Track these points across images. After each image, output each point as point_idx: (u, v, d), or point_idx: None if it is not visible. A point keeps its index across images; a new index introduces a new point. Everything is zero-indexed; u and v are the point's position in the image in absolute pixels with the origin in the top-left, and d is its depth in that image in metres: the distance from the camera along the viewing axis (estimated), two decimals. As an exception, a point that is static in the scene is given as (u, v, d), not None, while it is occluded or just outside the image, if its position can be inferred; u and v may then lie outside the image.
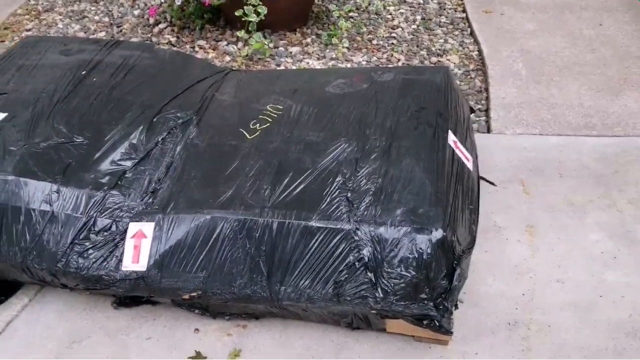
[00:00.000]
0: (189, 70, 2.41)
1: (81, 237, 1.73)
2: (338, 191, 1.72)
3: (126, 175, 1.85)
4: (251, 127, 2.03)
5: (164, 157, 1.93)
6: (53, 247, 1.72)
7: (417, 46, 3.49)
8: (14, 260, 1.72)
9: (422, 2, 4.03)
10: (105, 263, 1.71)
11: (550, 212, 2.17)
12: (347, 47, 3.39)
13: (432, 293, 1.57)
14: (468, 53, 3.43)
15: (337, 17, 3.48)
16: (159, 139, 1.98)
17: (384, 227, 1.60)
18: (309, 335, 1.75)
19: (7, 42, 3.75)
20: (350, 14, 3.80)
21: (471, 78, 3.20)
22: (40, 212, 1.74)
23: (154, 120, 2.05)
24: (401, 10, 3.93)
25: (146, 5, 3.98)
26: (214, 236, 1.68)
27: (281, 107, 2.12)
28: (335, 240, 1.62)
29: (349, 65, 3.26)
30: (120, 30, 3.71)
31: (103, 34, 3.71)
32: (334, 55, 3.35)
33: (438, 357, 1.67)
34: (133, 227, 1.73)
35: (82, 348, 1.74)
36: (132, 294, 1.75)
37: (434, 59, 3.35)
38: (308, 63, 3.27)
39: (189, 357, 1.70)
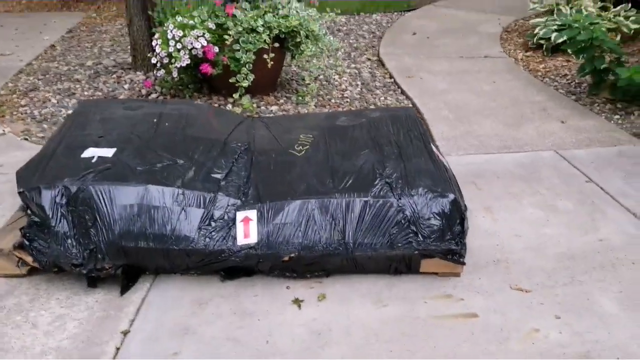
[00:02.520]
0: (225, 116, 3.19)
1: (205, 224, 2.40)
2: (378, 179, 2.55)
3: (222, 184, 2.55)
4: (297, 149, 2.84)
5: (241, 171, 2.66)
6: (186, 233, 2.37)
7: (366, 102, 4.49)
8: (160, 245, 2.34)
9: (357, 72, 5.10)
10: (224, 241, 2.39)
11: (498, 200, 3.15)
12: (314, 105, 4.31)
13: (453, 235, 2.43)
14: (405, 105, 4.48)
15: (308, 82, 4.41)
16: (233, 160, 2.72)
17: (416, 196, 2.46)
18: (366, 280, 2.51)
19: (7, 117, 4.25)
20: (307, 81, 4.77)
21: (413, 122, 4.22)
22: (173, 209, 2.39)
23: (224, 148, 2.78)
24: (344, 78, 4.96)
25: (132, 81, 4.68)
26: (302, 213, 2.43)
27: (311, 136, 2.96)
28: (386, 208, 2.44)
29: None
30: (97, 99, 4.36)
31: (102, 104, 4.32)
32: (306, 111, 4.25)
33: (457, 282, 2.51)
34: (240, 215, 2.44)
35: (209, 307, 2.37)
36: (243, 264, 2.42)
37: (362, 110, 4.35)
38: (288, 117, 4.13)
39: (291, 301, 2.39)
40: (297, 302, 2.39)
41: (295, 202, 2.44)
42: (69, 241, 2.34)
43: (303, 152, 2.78)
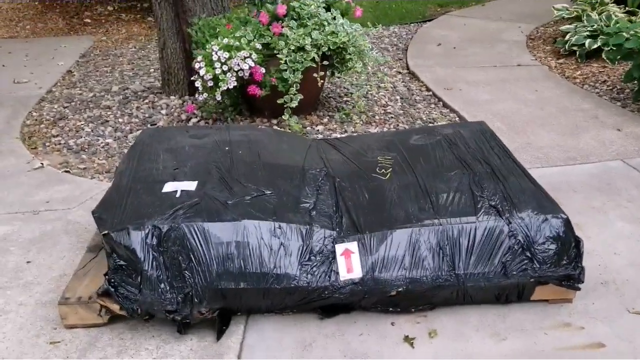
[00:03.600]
0: (292, 139, 3.03)
1: (305, 259, 2.23)
2: (480, 201, 2.40)
3: (312, 214, 2.39)
4: (379, 172, 2.68)
5: (328, 199, 2.50)
6: (287, 270, 2.20)
7: (411, 117, 4.36)
8: (261, 285, 2.17)
9: (393, 87, 4.97)
10: (327, 277, 2.22)
11: (583, 215, 3.01)
12: (361, 122, 4.16)
13: (569, 259, 2.29)
14: (451, 119, 4.36)
15: (355, 99, 4.26)
16: (317, 187, 2.56)
17: (527, 219, 2.31)
18: (474, 312, 2.35)
19: (40, 148, 4.06)
20: (345, 98, 4.63)
21: (465, 136, 4.09)
22: (272, 245, 2.22)
23: (305, 175, 2.62)
24: (381, 93, 4.83)
25: (168, 106, 4.50)
26: (407, 243, 2.27)
27: (390, 157, 2.81)
28: (496, 233, 2.29)
29: (369, 136, 4.01)
30: (157, 127, 4.18)
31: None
32: (353, 129, 4.11)
33: (571, 309, 2.36)
34: (339, 247, 2.27)
35: (315, 348, 2.20)
36: (347, 301, 2.26)
37: (430, 126, 4.21)
38: (338, 137, 3.98)
39: (402, 340, 2.22)
40: (408, 340, 2.23)
41: (398, 231, 2.29)
42: (162, 285, 2.16)
43: (389, 175, 2.62)
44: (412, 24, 7.16)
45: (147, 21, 7.70)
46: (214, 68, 3.75)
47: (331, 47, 3.84)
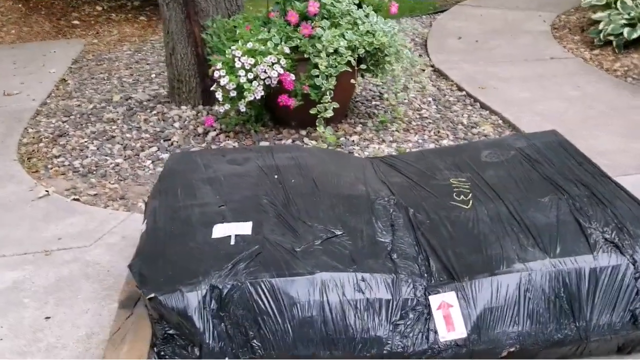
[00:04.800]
0: (344, 160, 2.64)
1: (396, 318, 1.83)
2: (591, 234, 2.03)
3: (393, 257, 1.99)
4: (458, 198, 2.29)
5: (406, 236, 2.10)
6: (377, 332, 1.80)
7: (451, 122, 3.97)
8: (347, 352, 1.77)
9: (421, 88, 4.57)
10: (424, 338, 1.83)
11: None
12: (400, 130, 3.77)
13: None
14: (494, 121, 3.98)
15: (395, 103, 3.86)
16: (391, 221, 2.16)
17: (652, 253, 1.94)
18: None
19: (42, 171, 3.61)
20: (375, 102, 4.23)
21: (514, 141, 3.71)
22: (356, 302, 1.82)
23: (372, 206, 2.22)
24: (412, 95, 4.42)
25: (180, 117, 4.06)
26: (516, 291, 1.89)
27: (464, 179, 2.42)
28: (620, 273, 1.91)
29: (410, 145, 3.63)
30: (172, 143, 3.74)
31: (155, 148, 3.71)
32: (391, 139, 3.71)
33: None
34: (435, 300, 1.88)
35: None
36: (447, 364, 1.87)
37: (474, 131, 3.83)
38: (376, 147, 3.58)
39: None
40: (524, 407, 1.84)
41: (504, 277, 1.90)
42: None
43: (470, 203, 2.23)
44: (424, 16, 6.76)
45: (140, 21, 7.21)
46: (237, 76, 3.32)
47: (367, 49, 3.43)
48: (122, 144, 3.82)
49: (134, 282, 2.36)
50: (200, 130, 3.84)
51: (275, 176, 2.35)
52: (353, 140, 3.67)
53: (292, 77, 3.37)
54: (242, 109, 3.46)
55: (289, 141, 3.63)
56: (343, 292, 1.82)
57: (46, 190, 3.32)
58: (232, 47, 3.37)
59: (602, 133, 3.64)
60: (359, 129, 3.83)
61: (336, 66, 3.37)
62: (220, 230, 2.01)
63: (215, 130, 3.81)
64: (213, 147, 3.66)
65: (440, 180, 2.43)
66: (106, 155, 3.73)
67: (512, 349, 1.85)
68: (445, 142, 3.66)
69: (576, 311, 1.89)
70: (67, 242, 2.87)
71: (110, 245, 2.82)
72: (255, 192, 2.23)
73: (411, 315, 1.85)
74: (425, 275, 1.94)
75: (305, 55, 3.40)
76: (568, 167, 2.43)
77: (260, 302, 1.77)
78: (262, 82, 3.33)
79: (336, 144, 3.52)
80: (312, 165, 2.46)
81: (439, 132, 3.80)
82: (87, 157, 3.72)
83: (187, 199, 2.21)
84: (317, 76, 3.40)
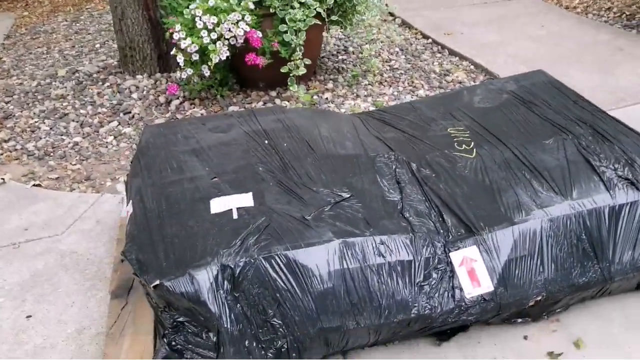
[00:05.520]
0: (332, 118, 2.47)
1: (420, 279, 1.73)
2: (606, 172, 1.96)
3: (406, 215, 1.88)
4: (461, 148, 2.18)
5: (414, 193, 1.99)
6: (403, 296, 1.70)
7: (423, 71, 3.85)
8: (375, 320, 1.66)
9: (387, 38, 4.42)
10: (450, 296, 1.74)
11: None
12: (375, 83, 3.62)
13: None
14: (466, 67, 3.89)
15: (368, 55, 3.70)
16: (396, 178, 2.04)
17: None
18: (613, 305, 1.95)
19: (-11, 154, 3.31)
20: (341, 57, 4.06)
21: (489, 86, 3.63)
22: (378, 266, 1.70)
23: (374, 164, 2.09)
24: (371, 46, 4.27)
25: (138, 88, 3.78)
26: (539, 238, 1.81)
27: (462, 127, 2.31)
28: (638, 210, 1.86)
29: (386, 98, 3.50)
30: (133, 116, 3.48)
31: (115, 123, 3.44)
32: (365, 93, 3.57)
33: None
34: (456, 256, 1.79)
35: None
36: (477, 321, 1.79)
37: (448, 78, 3.73)
38: (352, 104, 3.43)
39: (546, 355, 1.79)
40: (554, 357, 1.79)
41: (524, 225, 1.82)
42: (246, 342, 1.60)
43: (475, 152, 2.13)
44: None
45: (72, -12, 6.70)
46: (200, 37, 3.08)
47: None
48: (77, 121, 3.53)
49: (123, 268, 2.17)
50: (162, 99, 3.59)
51: (266, 141, 2.17)
52: (327, 98, 3.51)
53: (259, 34, 3.15)
54: (207, 73, 3.23)
55: (260, 104, 3.44)
56: (363, 257, 1.70)
57: (1, 178, 3.03)
58: (192, 6, 3.11)
59: (576, 70, 3.61)
60: (330, 85, 3.66)
61: (304, 20, 3.17)
62: (219, 205, 1.83)
63: (178, 98, 3.56)
64: (178, 116, 3.43)
65: (437, 131, 2.32)
66: (62, 135, 3.43)
67: (538, 298, 1.78)
68: (421, 93, 3.54)
69: (599, 252, 1.83)
70: (35, 232, 2.62)
71: (85, 231, 2.60)
72: (248, 160, 2.05)
73: (434, 275, 1.75)
74: (442, 231, 1.84)
75: (271, 10, 3.18)
76: (565, 107, 2.36)
77: (277, 278, 1.63)
78: (227, 42, 3.10)
79: (310, 103, 3.35)
80: (301, 127, 2.29)
81: (412, 82, 3.68)
82: (40, 138, 3.42)
83: (174, 173, 2.02)
84: (286, 32, 3.19)
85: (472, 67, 3.87)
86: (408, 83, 3.67)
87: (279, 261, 1.64)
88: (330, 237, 1.70)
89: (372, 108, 3.34)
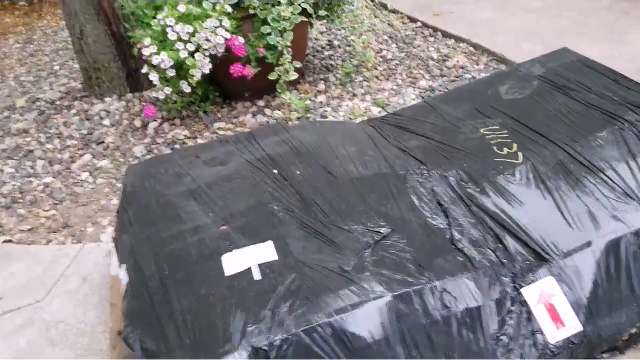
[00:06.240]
0: (340, 130, 2.14)
1: (495, 329, 1.41)
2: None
3: (460, 246, 1.56)
4: (502, 152, 1.87)
5: (459, 216, 1.67)
6: (477, 354, 1.38)
7: (421, 60, 3.52)
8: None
9: (371, 25, 4.08)
10: (532, 344, 1.43)
11: None
12: (372, 79, 3.29)
13: None
14: (465, 49, 3.57)
15: (362, 48, 3.36)
16: (436, 199, 1.71)
17: None
18: None
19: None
20: (327, 52, 3.71)
21: (494, 68, 3.33)
22: (445, 321, 1.38)
23: (408, 184, 1.76)
24: (364, 37, 3.92)
25: (109, 113, 3.39)
26: (623, 258, 1.51)
27: (496, 126, 2.00)
28: None
29: (386, 94, 3.17)
30: (107, 146, 3.10)
31: (88, 156, 3.05)
32: (362, 91, 3.23)
33: None
34: (530, 292, 1.47)
35: None
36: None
37: (449, 64, 3.41)
38: (350, 105, 3.10)
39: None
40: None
41: (606, 243, 1.51)
42: None
43: (521, 156, 1.81)
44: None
45: (20, 7, 6.21)
46: (176, 50, 2.71)
47: (321, -9, 2.88)
48: (45, 159, 3.13)
49: (122, 345, 1.81)
50: (137, 123, 3.20)
51: (275, 170, 1.83)
52: (321, 102, 3.16)
53: (241, 40, 2.78)
54: (186, 89, 2.86)
55: (248, 116, 3.08)
56: (424, 312, 1.37)
57: (-35, 236, 2.64)
58: (160, 16, 2.73)
59: (584, 41, 3.32)
60: (322, 86, 3.31)
61: (289, 18, 2.81)
62: (233, 262, 1.49)
63: (156, 120, 3.18)
64: (158, 140, 3.05)
65: (467, 133, 1.99)
66: (29, 177, 3.03)
67: (634, 330, 1.48)
68: (423, 83, 3.22)
69: (695, 265, 1.53)
70: (12, 300, 2.24)
71: (70, 292, 2.22)
72: (258, 197, 1.71)
73: (509, 321, 1.43)
74: (506, 261, 1.52)
75: (251, 11, 2.81)
76: (607, 88, 2.05)
77: (322, 353, 1.29)
78: (207, 53, 2.73)
79: (305, 110, 3.01)
80: (312, 146, 1.95)
81: (411, 73, 3.35)
82: (5, 183, 3.01)
83: (172, 224, 1.66)
84: (269, 33, 2.83)
85: (471, 48, 3.55)
86: (406, 74, 3.34)
87: (323, 332, 1.30)
88: (380, 292, 1.36)
89: (373, 108, 3.00)
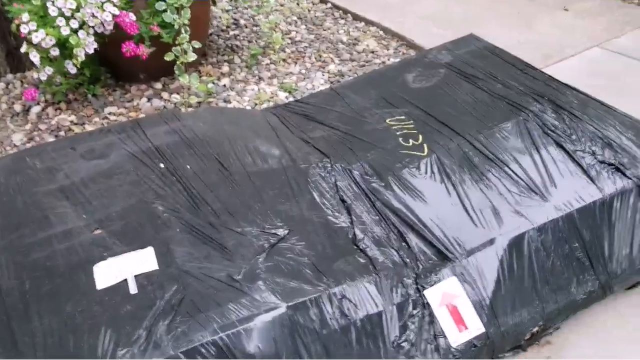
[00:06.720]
0: (238, 118, 1.98)
1: (395, 334, 1.32)
2: (584, 157, 1.64)
3: (362, 246, 1.45)
4: (409, 145, 1.78)
5: (363, 212, 1.57)
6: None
7: (330, 42, 3.40)
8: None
9: (277, 4, 3.91)
10: (434, 349, 1.35)
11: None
12: (279, 61, 3.13)
13: None
14: (376, 33, 3.49)
15: (269, 30, 3.17)
16: (339, 195, 1.60)
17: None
18: (612, 314, 1.66)
19: None
20: (232, 32, 3.51)
21: (403, 53, 3.27)
22: (343, 331, 1.27)
23: (309, 178, 1.64)
24: (271, 17, 3.75)
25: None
26: (526, 255, 1.46)
27: (403, 117, 1.90)
28: (630, 200, 1.56)
29: (294, 79, 3.03)
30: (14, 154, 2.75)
31: (-41, 144, 2.70)
32: (269, 74, 3.07)
33: None
34: (433, 294, 1.39)
35: None
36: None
37: (359, 48, 3.31)
38: (256, 89, 2.93)
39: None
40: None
41: (508, 240, 1.45)
42: None
43: (427, 148, 1.73)
44: None
45: None
46: (57, 27, 2.43)
47: (222, -35, 2.67)
48: None
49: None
50: (18, 107, 2.87)
51: (162, 165, 1.64)
52: (224, 85, 2.97)
53: (132, 17, 2.54)
54: (72, 70, 2.58)
55: (143, 100, 2.83)
56: (321, 323, 1.25)
57: None
58: (38, -12, 2.43)
59: (495, 28, 3.31)
60: (226, 68, 3.11)
61: (187, -7, 2.59)
62: (106, 272, 1.30)
63: (39, 103, 2.86)
64: (41, 127, 2.75)
65: (374, 122, 1.89)
66: None
67: (536, 329, 1.44)
68: (332, 68, 3.10)
69: (594, 260, 1.52)
70: None
71: None
72: (140, 196, 1.52)
73: (411, 326, 1.34)
74: (409, 261, 1.43)
75: (143, -16, 2.56)
76: (513, 77, 2.02)
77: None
78: (92, 31, 2.46)
79: (207, 93, 2.81)
80: (206, 137, 1.77)
81: (320, 56, 3.22)
82: None
83: (39, 228, 1.45)
84: (165, 10, 2.60)
85: (381, 32, 3.47)
86: (315, 58, 3.21)
87: (207, 353, 1.15)
88: (273, 303, 1.23)
89: (281, 93, 2.85)
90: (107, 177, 1.60)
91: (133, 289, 1.25)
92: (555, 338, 1.60)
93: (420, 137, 1.79)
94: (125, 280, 1.28)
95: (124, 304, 1.23)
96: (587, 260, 1.50)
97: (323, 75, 3.03)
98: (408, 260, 1.44)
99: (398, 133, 1.82)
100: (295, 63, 3.15)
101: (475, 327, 1.37)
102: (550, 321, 1.46)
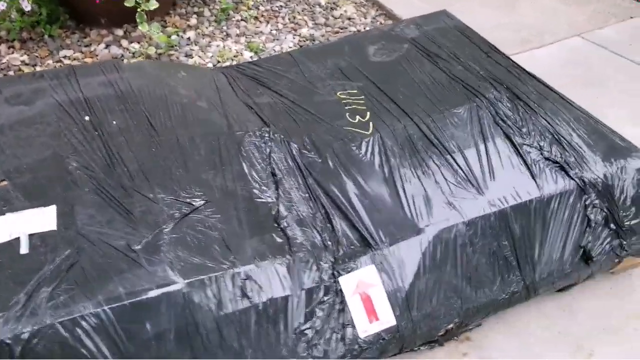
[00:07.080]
0: (187, 76, 1.87)
1: (299, 322, 1.26)
2: (530, 153, 1.57)
3: (283, 224, 1.38)
4: (354, 121, 1.69)
5: (294, 186, 1.49)
6: (276, 350, 1.22)
7: (306, 4, 3.26)
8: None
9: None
10: (340, 339, 1.29)
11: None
12: (249, 18, 3.00)
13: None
14: (355, 0, 3.35)
15: (240, -16, 3.03)
16: (270, 167, 1.52)
17: (604, 170, 1.54)
18: (529, 311, 1.62)
19: None
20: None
21: (381, 23, 3.15)
22: (242, 314, 1.20)
23: (242, 146, 1.55)
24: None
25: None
26: (452, 249, 1.39)
27: (355, 90, 1.81)
28: (570, 202, 1.50)
29: (263, 39, 2.91)
30: None
31: None
32: (238, 32, 2.94)
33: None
34: (347, 282, 1.33)
35: None
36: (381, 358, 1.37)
37: (336, 13, 3.19)
38: (221, 46, 2.81)
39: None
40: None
41: (433, 234, 1.39)
42: None
43: (372, 127, 1.65)
44: None
45: None
46: (9, -41, 2.28)
47: None
48: None
49: None
50: (-30, 45, 2.74)
51: (87, 117, 1.55)
52: (189, 38, 2.84)
53: (92, -44, 2.39)
54: (27, 7, 2.45)
55: (101, 47, 2.71)
56: (219, 304, 1.18)
57: None
58: None
59: (479, 6, 3.20)
60: (193, 21, 2.98)
61: (152, -64, 2.44)
62: (2, 229, 1.22)
63: (-7, 40, 2.73)
64: (-7, 64, 2.62)
65: (325, 94, 1.80)
66: None
67: (451, 326, 1.38)
68: (304, 31, 2.97)
69: (522, 261, 1.46)
70: None
71: None
72: (56, 149, 1.43)
73: (319, 313, 1.28)
74: (330, 244, 1.36)
75: None
76: (476, 60, 1.92)
77: (84, 350, 1.08)
78: (47, -33, 2.32)
79: (168, 45, 2.68)
80: (142, 92, 1.67)
81: (294, 18, 3.09)
82: None
83: None
84: (128, -48, 2.46)
85: (360, 0, 3.33)
86: (289, 19, 3.08)
87: (89, 325, 1.08)
88: (169, 279, 1.16)
89: (246, 52, 2.74)
90: (27, 126, 1.51)
91: (24, 249, 1.18)
92: (475, 335, 1.56)
93: (368, 114, 1.70)
94: (18, 239, 1.20)
95: (10, 265, 1.15)
96: (515, 260, 1.44)
97: (294, 38, 2.91)
98: (330, 243, 1.37)
99: (347, 108, 1.73)
100: (268, 23, 3.03)
101: (387, 319, 1.32)
102: (468, 318, 1.41)
